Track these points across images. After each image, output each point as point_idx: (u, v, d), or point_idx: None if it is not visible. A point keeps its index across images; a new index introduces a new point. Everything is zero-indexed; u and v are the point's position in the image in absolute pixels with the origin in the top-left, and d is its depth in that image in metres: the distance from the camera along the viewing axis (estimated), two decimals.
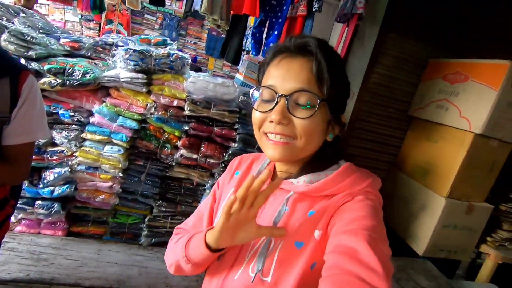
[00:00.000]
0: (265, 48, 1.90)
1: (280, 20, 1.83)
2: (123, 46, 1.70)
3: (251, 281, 0.51)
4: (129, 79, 1.56)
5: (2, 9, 1.65)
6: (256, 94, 0.57)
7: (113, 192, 1.70)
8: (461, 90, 2.02)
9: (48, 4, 5.23)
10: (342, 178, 0.54)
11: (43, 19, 1.93)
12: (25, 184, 1.58)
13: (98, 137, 1.58)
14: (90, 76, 1.50)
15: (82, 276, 1.51)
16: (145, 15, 5.25)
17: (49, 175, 1.59)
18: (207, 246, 0.53)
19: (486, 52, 2.25)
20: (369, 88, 2.42)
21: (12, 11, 1.69)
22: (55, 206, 1.62)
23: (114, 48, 1.73)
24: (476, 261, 2.51)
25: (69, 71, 1.49)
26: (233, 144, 1.74)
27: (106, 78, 1.55)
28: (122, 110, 1.59)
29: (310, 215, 0.53)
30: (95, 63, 1.68)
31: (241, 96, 1.72)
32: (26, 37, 1.43)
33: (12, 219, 1.65)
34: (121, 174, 1.65)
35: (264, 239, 0.54)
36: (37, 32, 1.63)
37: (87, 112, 1.60)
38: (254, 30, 1.95)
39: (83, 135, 1.57)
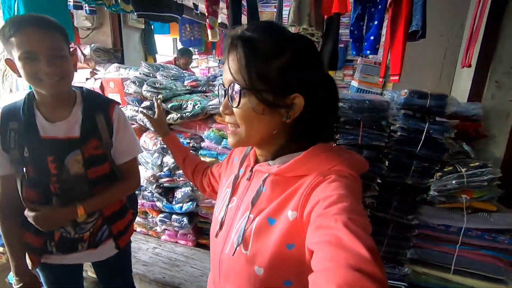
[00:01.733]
0: (366, 44, 1.64)
1: (379, 7, 1.55)
2: None
3: (232, 253, 0.59)
4: None
5: (149, 68, 2.20)
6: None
7: None
8: None
9: (197, 58, 6.62)
10: (310, 158, 0.57)
11: (177, 69, 2.42)
12: (164, 201, 1.96)
13: (208, 159, 1.78)
14: (198, 107, 1.74)
15: (202, 285, 1.68)
16: None
17: (178, 194, 1.92)
18: None
19: None
20: None
21: (155, 68, 2.23)
22: (184, 220, 1.92)
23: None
24: None
25: (184, 106, 1.78)
26: None
27: (210, 107, 1.75)
28: (225, 133, 1.74)
29: (283, 195, 0.57)
30: (206, 95, 1.94)
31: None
32: (156, 84, 1.84)
33: (158, 229, 2.08)
34: None
35: (245, 216, 0.60)
36: (168, 79, 2.07)
37: (199, 138, 1.85)
38: (351, 28, 1.73)
39: None
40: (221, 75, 2.12)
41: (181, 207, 1.92)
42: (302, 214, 0.52)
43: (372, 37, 1.57)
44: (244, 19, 2.27)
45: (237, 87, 0.55)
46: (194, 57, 6.44)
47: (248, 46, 0.54)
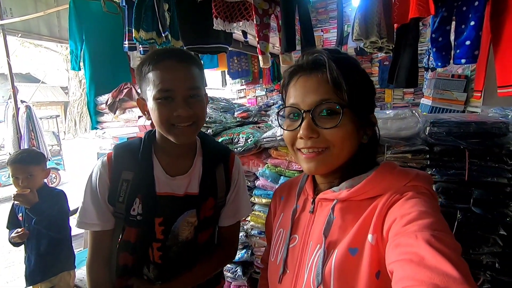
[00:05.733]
0: (458, 51, 1.30)
1: (476, 3, 1.21)
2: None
3: None
4: None
5: None
6: (282, 114, 0.62)
7: None
8: None
9: (244, 88, 6.70)
10: (382, 176, 0.54)
11: (226, 101, 2.31)
12: None
13: (264, 200, 1.54)
14: (250, 141, 1.54)
15: None
16: None
17: None
18: None
19: None
20: None
21: None
22: (238, 270, 1.66)
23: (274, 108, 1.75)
24: None
25: (235, 140, 1.60)
26: None
27: (265, 140, 1.54)
28: (283, 169, 1.49)
29: (359, 220, 0.52)
30: (258, 127, 1.74)
31: (428, 128, 1.19)
32: (206, 118, 1.70)
33: None
34: None
35: (318, 251, 0.55)
36: (218, 111, 1.94)
37: (253, 175, 1.63)
38: (433, 35, 1.41)
39: (252, 199, 1.58)
40: (273, 104, 1.92)
41: None
42: (381, 235, 0.49)
43: (468, 42, 1.23)
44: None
45: (336, 105, 0.53)
46: (241, 87, 6.52)
47: (345, 66, 0.54)
